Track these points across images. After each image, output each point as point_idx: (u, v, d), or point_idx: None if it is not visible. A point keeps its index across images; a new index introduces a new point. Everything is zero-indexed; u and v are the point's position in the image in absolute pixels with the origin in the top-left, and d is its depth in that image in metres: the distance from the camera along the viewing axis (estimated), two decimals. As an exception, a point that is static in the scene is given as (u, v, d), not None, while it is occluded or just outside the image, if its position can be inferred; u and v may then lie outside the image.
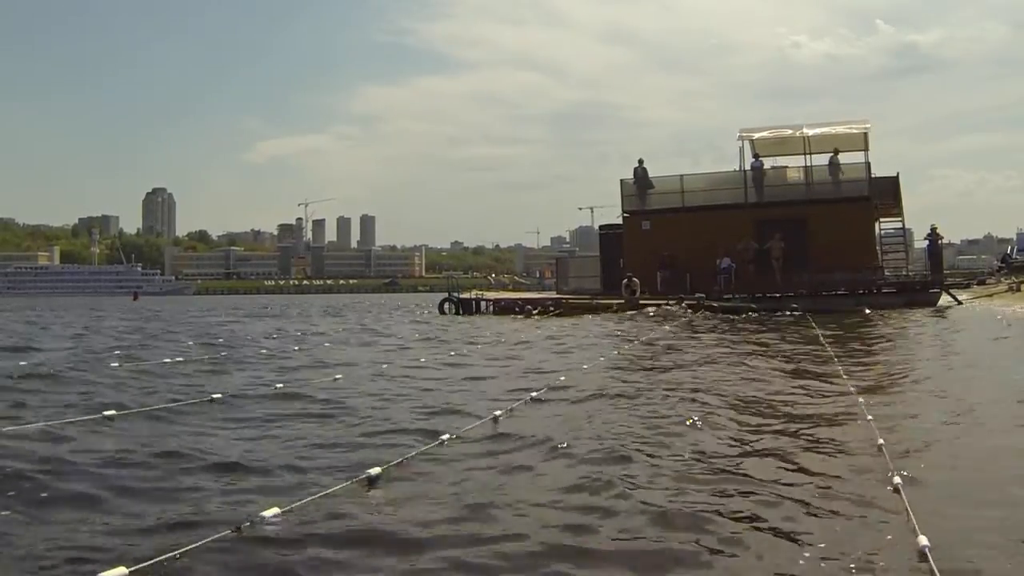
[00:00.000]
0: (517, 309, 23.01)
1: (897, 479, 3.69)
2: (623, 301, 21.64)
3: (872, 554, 2.93)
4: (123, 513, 3.57)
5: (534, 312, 21.81)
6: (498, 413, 5.69)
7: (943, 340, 12.57)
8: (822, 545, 3.04)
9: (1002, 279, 27.10)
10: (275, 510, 3.33)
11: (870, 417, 5.23)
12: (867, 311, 19.36)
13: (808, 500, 3.60)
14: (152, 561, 2.82)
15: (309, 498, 3.55)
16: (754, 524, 3.30)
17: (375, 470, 4.00)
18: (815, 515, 3.41)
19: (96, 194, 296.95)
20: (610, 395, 6.62)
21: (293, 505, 3.43)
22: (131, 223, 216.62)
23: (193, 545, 2.96)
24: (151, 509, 3.61)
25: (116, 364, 9.58)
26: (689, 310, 19.71)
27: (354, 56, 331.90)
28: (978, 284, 28.29)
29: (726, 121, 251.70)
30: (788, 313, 18.87)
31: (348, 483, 3.84)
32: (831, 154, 23.83)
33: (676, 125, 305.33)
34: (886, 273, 23.52)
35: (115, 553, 3.02)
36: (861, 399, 6.02)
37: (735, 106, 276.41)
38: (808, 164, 24.35)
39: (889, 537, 3.09)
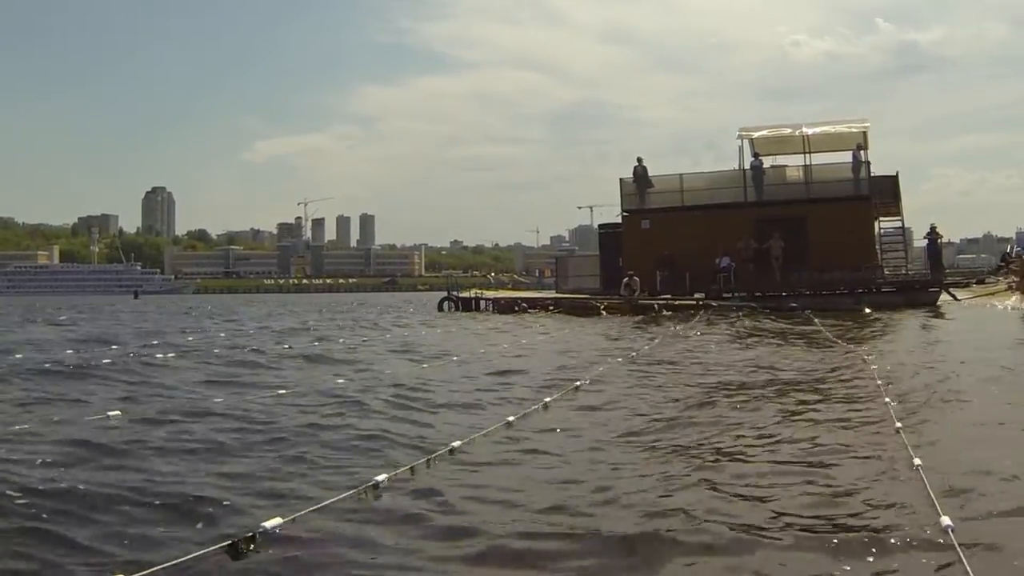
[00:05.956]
0: (516, 308, 23.04)
1: None
2: (623, 301, 21.64)
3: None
4: (121, 519, 3.48)
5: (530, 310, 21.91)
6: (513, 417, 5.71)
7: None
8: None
9: (1001, 278, 27.05)
10: (277, 520, 3.30)
11: None
12: (867, 310, 19.38)
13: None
14: (150, 570, 2.77)
15: (311, 508, 3.52)
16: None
17: (380, 477, 3.98)
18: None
19: (96, 193, 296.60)
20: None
21: (296, 515, 3.40)
22: (131, 222, 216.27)
23: (192, 555, 2.92)
24: (152, 515, 3.55)
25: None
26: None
27: (354, 56, 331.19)
28: (977, 283, 28.29)
29: (726, 121, 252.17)
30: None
31: (352, 492, 3.80)
32: (854, 149, 23.77)
33: (676, 125, 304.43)
34: (886, 272, 23.54)
35: (112, 561, 2.98)
36: None
37: (735, 106, 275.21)
38: (808, 163, 24.34)
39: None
